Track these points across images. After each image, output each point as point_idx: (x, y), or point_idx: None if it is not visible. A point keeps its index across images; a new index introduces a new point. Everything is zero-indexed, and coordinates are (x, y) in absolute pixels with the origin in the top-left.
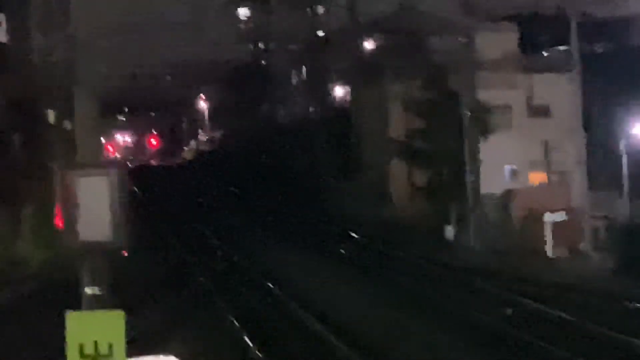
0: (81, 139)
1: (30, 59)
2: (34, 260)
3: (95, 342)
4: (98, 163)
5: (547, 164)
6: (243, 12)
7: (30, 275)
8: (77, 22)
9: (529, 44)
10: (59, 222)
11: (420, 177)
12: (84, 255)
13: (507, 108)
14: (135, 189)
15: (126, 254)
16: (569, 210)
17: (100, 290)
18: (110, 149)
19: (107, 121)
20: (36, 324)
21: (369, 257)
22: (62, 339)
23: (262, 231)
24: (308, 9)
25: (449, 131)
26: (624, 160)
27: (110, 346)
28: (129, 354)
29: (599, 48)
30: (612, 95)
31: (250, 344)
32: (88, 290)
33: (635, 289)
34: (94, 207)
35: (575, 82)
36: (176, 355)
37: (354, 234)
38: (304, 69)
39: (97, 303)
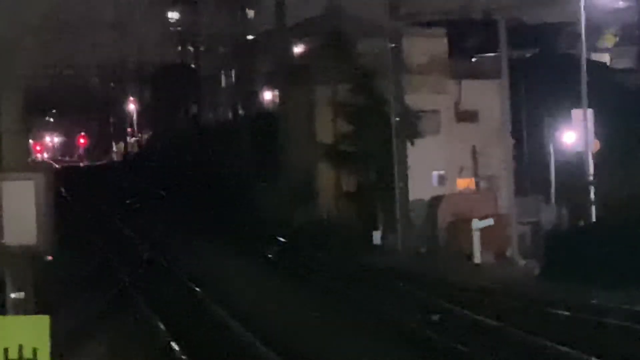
0: (7, 140)
1: None
2: None
3: (20, 347)
4: (23, 167)
5: (475, 170)
6: (172, 14)
7: None
8: (2, 20)
9: (457, 50)
10: None
11: (348, 182)
12: (9, 259)
13: (436, 113)
14: (63, 189)
15: (51, 259)
16: (496, 216)
17: (24, 295)
18: (39, 149)
19: (34, 122)
20: None
21: (296, 261)
22: None
23: (188, 233)
24: (237, 13)
25: (377, 135)
26: (551, 166)
27: (35, 351)
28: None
29: (527, 54)
30: (540, 101)
31: (177, 348)
32: (13, 295)
33: (558, 294)
34: (19, 211)
35: (504, 88)
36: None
37: (280, 238)
38: (232, 71)
39: (22, 307)
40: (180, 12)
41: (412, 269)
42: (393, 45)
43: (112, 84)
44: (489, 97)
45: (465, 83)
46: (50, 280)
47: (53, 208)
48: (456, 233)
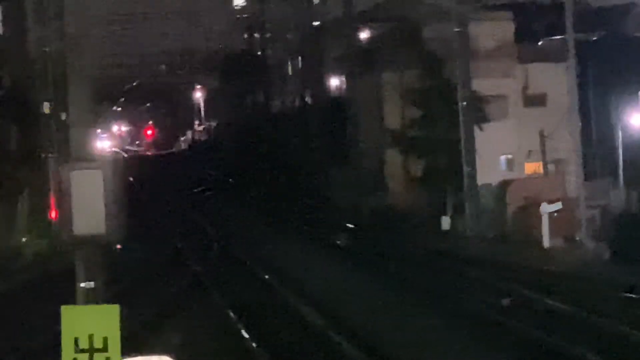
0: (76, 130)
1: (25, 50)
2: (29, 252)
3: (91, 336)
4: (92, 156)
5: (543, 154)
6: (238, 1)
7: (25, 266)
8: (71, 12)
9: (524, 33)
10: (53, 214)
11: (416, 167)
12: (78, 248)
13: (503, 97)
14: (131, 179)
15: (120, 247)
16: (565, 200)
17: (94, 284)
18: (107, 139)
19: (102, 111)
20: (30, 316)
21: (365, 248)
22: (57, 331)
23: (257, 221)
24: None
25: (445, 120)
26: (620, 149)
27: (105, 340)
28: (124, 350)
29: (594, 37)
30: (607, 84)
31: (247, 335)
32: (82, 284)
33: (630, 277)
34: (88, 201)
35: (571, 71)
36: (171, 349)
37: (350, 224)
38: (299, 58)
39: (92, 297)
40: (247, 0)
41: (481, 254)
42: (460, 29)
43: (179, 72)
44: (556, 80)
45: (533, 67)
46: (120, 270)
47: (122, 197)
48: (525, 217)
